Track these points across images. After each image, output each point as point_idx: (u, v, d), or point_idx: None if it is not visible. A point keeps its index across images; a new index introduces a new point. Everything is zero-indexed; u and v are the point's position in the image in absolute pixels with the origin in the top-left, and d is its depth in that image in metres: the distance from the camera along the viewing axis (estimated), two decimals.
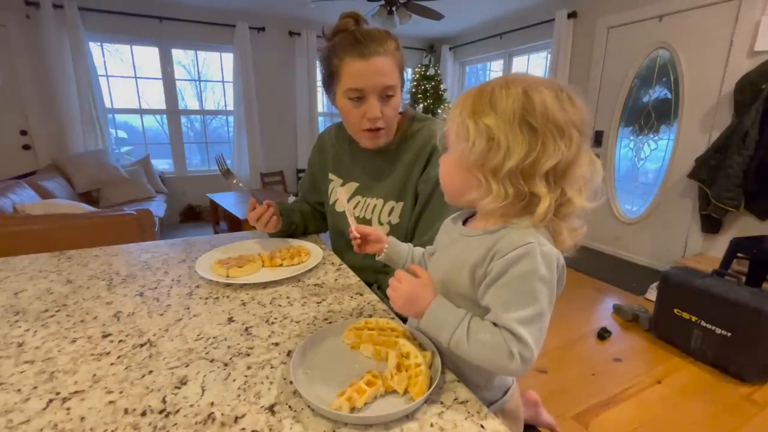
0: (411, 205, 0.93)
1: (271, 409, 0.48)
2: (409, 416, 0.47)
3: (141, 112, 4.13)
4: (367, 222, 0.96)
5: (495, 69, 4.81)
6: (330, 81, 0.90)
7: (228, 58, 4.25)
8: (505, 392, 0.66)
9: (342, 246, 1.06)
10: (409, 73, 4.75)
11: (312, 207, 1.18)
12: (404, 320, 0.67)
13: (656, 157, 3.07)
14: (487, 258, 0.52)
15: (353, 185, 1.01)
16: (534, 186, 0.50)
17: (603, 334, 2.12)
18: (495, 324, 0.49)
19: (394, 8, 3.20)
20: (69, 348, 0.60)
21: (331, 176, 1.06)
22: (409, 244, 0.78)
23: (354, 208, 0.99)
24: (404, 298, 0.55)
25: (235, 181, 1.07)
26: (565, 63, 3.55)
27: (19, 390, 0.51)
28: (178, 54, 4.09)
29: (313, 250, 0.98)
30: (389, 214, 0.94)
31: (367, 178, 1.00)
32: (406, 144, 0.96)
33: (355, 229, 0.76)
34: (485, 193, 0.52)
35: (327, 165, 1.08)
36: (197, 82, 4.38)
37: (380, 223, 0.94)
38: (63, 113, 3.52)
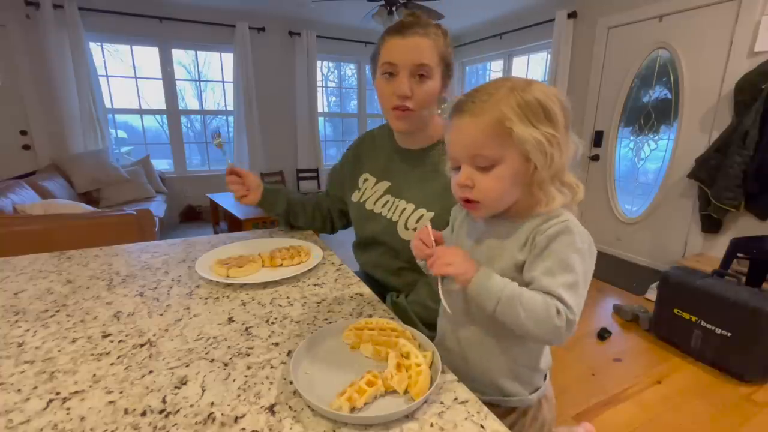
0: (442, 219, 0.90)
1: (271, 409, 0.48)
2: (409, 416, 0.47)
3: (141, 112, 4.12)
4: (392, 224, 0.95)
5: (495, 69, 4.81)
6: (373, 64, 0.92)
7: (228, 58, 4.24)
8: (545, 377, 0.70)
9: (363, 243, 1.06)
10: None
11: (328, 205, 1.18)
12: (405, 320, 0.67)
13: (656, 157, 3.06)
14: (530, 238, 0.57)
15: (385, 184, 1.00)
16: (568, 176, 0.58)
17: (603, 335, 2.11)
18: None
19: (394, 8, 3.20)
20: (69, 348, 0.60)
21: (366, 176, 1.05)
22: None
23: (382, 207, 0.99)
24: (461, 255, 0.57)
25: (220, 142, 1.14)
26: (565, 63, 3.55)
27: (19, 390, 0.51)
28: (178, 54, 4.09)
29: (313, 250, 0.98)
30: (417, 221, 0.92)
31: (400, 180, 0.99)
32: (444, 151, 0.95)
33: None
34: (548, 201, 0.57)
35: (362, 163, 1.08)
36: (197, 82, 4.38)
37: (406, 228, 0.93)
38: (63, 113, 3.51)
